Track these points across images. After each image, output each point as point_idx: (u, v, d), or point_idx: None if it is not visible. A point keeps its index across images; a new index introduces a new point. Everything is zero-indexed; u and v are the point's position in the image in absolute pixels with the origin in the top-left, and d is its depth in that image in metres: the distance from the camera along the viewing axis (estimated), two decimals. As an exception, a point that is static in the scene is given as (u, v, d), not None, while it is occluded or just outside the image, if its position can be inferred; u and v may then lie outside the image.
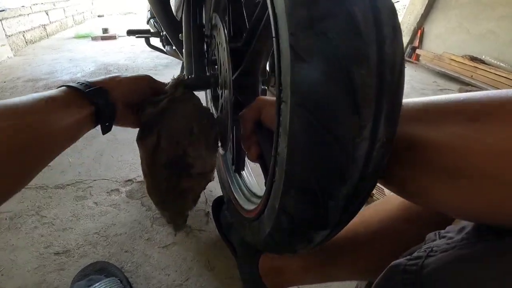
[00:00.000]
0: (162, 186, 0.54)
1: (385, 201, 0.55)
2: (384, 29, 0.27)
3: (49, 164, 0.98)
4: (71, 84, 0.42)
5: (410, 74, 2.68)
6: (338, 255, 0.55)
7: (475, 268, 0.28)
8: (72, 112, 0.40)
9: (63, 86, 0.41)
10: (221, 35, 0.54)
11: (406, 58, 3.08)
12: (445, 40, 2.88)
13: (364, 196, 0.34)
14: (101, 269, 0.69)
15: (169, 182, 0.54)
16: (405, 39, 3.17)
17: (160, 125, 0.49)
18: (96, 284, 0.64)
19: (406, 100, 0.33)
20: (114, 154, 1.10)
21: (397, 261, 0.33)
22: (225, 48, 0.51)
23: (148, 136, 0.50)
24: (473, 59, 2.53)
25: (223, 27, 0.54)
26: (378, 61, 0.27)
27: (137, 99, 0.49)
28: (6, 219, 0.82)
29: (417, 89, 2.27)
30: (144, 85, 0.50)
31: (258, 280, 0.66)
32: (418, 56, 3.03)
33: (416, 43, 3.09)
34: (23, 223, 0.81)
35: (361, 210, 0.41)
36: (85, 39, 3.06)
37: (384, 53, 0.28)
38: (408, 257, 0.32)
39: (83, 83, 0.42)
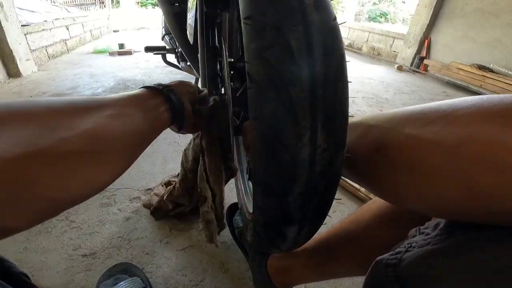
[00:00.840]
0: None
1: (374, 200, 0.57)
2: (315, 52, 0.32)
3: (77, 174, 1.04)
4: (147, 85, 0.46)
5: (419, 84, 2.68)
6: (337, 252, 0.59)
7: (443, 262, 0.29)
8: (154, 105, 0.44)
9: (141, 87, 0.46)
10: (223, 56, 0.61)
11: (414, 69, 3.08)
12: (452, 49, 2.87)
13: (320, 195, 0.39)
14: (124, 270, 0.74)
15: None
16: (413, 50, 3.18)
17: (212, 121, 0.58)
18: (121, 283, 0.69)
19: (384, 111, 0.39)
20: (135, 166, 1.16)
21: (381, 256, 0.35)
22: (226, 67, 0.58)
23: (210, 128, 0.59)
24: (481, 67, 2.51)
25: (225, 49, 0.60)
26: (310, 80, 0.33)
27: (191, 99, 0.54)
28: (38, 224, 0.88)
29: (426, 100, 2.28)
30: (193, 88, 0.55)
31: (268, 280, 0.69)
32: (426, 66, 3.02)
33: (423, 53, 3.09)
34: (53, 227, 0.87)
35: (355, 210, 0.46)
36: (103, 54, 3.14)
37: (315, 72, 0.32)
38: (391, 252, 0.34)
39: (156, 84, 0.47)
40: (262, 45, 0.33)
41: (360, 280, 0.76)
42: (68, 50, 3.37)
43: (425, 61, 3.02)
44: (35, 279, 0.71)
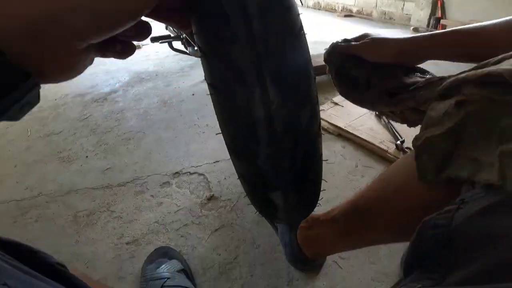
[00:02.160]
0: None
1: (409, 155, 0.50)
2: (250, 9, 0.31)
3: (110, 167, 1.08)
4: None
5: None
6: (367, 217, 0.54)
7: (504, 218, 0.25)
8: None
9: None
10: None
11: (432, 30, 2.80)
12: (468, 8, 2.67)
13: (291, 154, 0.38)
14: (164, 253, 0.78)
15: None
16: (426, 11, 2.92)
17: None
18: (163, 266, 0.73)
19: None
20: (161, 152, 1.19)
21: (429, 216, 0.31)
22: None
23: None
24: None
25: None
26: (248, 37, 0.31)
27: None
28: (83, 216, 0.94)
29: None
30: None
31: (299, 252, 0.69)
32: (444, 26, 2.78)
33: (438, 14, 2.82)
34: (97, 219, 0.93)
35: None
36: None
37: (252, 29, 0.31)
38: (439, 211, 0.30)
39: None
40: (202, 13, 0.32)
41: (399, 247, 0.76)
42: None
43: (442, 21, 2.75)
44: (89, 270, 0.77)
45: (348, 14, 3.64)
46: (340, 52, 0.58)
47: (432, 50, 0.53)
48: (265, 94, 0.34)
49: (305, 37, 0.36)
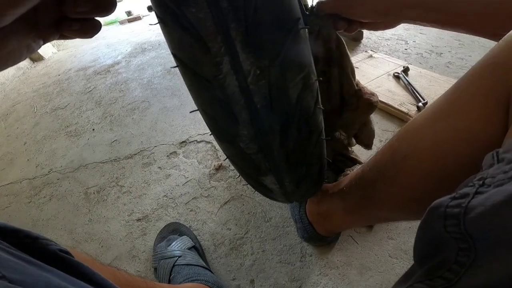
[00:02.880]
0: None
1: (410, 122, 0.43)
2: None
3: (116, 139, 1.05)
4: None
5: None
6: (373, 192, 0.47)
7: None
8: None
9: None
10: None
11: None
12: None
13: (280, 135, 0.31)
14: (174, 230, 0.76)
15: None
16: None
17: None
18: (173, 243, 0.71)
19: None
20: (167, 121, 1.13)
21: (439, 200, 0.25)
22: None
23: None
24: None
25: None
26: None
27: None
28: (94, 193, 0.93)
29: None
30: None
31: (310, 228, 0.64)
32: None
33: None
34: (107, 195, 0.92)
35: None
36: (113, 25, 2.95)
37: None
38: (454, 194, 0.24)
39: None
40: None
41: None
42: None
43: None
44: (104, 250, 0.77)
45: None
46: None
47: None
48: (236, 63, 0.26)
49: None
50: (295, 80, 0.29)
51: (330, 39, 0.49)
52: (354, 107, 0.56)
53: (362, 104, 0.56)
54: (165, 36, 0.29)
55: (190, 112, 0.38)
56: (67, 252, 0.41)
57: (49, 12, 0.27)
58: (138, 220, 0.82)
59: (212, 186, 0.86)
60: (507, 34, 0.33)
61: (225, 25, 0.25)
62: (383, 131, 0.95)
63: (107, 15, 0.27)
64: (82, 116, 1.26)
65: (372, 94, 0.56)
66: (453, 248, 0.23)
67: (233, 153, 0.36)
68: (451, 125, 0.36)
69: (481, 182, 0.22)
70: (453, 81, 1.06)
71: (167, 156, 0.99)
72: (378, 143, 0.91)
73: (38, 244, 0.38)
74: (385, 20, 0.46)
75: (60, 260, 0.37)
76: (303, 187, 0.43)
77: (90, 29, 0.28)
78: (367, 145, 0.66)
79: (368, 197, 0.49)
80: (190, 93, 0.32)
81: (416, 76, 1.14)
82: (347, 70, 0.53)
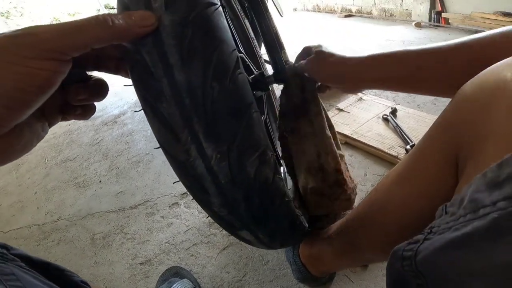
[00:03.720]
0: None
1: (384, 178, 0.51)
2: (170, 60, 0.29)
3: (122, 190, 1.13)
4: None
5: (445, 38, 2.41)
6: (357, 238, 0.54)
7: (467, 256, 0.22)
8: None
9: None
10: None
11: (435, 24, 2.79)
12: (468, 0, 2.53)
13: (245, 202, 0.36)
14: (175, 273, 0.82)
15: None
16: (426, 6, 2.88)
17: None
18: (175, 285, 0.77)
19: None
20: (169, 173, 1.23)
21: (398, 246, 0.30)
22: None
23: None
24: (506, 14, 2.27)
25: None
26: (171, 91, 0.30)
27: None
28: (100, 239, 1.00)
29: None
30: None
31: (303, 269, 0.70)
32: (446, 19, 2.73)
33: (439, 8, 2.78)
34: (113, 240, 0.98)
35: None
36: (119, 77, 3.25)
37: (175, 83, 0.29)
38: (409, 240, 0.29)
39: None
40: (129, 64, 0.31)
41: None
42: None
43: (443, 15, 2.69)
44: (107, 291, 0.82)
45: (348, 14, 3.63)
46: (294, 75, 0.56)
47: (372, 72, 0.48)
48: (201, 150, 0.32)
49: (242, 77, 0.33)
50: (252, 158, 0.34)
51: (304, 90, 0.54)
52: (333, 196, 0.55)
53: (342, 197, 0.55)
54: (150, 125, 0.35)
55: (174, 183, 0.45)
56: (86, 283, 0.50)
57: (54, 101, 0.30)
58: (141, 263, 0.88)
59: (212, 233, 0.94)
60: (456, 95, 0.36)
61: (189, 119, 0.30)
62: (374, 175, 1.06)
63: (102, 100, 0.32)
64: (90, 168, 1.36)
65: (353, 189, 0.58)
66: (412, 284, 0.27)
67: (211, 215, 0.42)
68: (414, 184, 0.43)
69: (429, 230, 0.27)
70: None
71: (169, 206, 1.08)
72: (370, 188, 1.02)
73: (63, 275, 0.46)
74: (345, 87, 0.53)
75: None
76: (277, 238, 0.47)
77: (89, 111, 0.33)
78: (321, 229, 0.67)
79: (352, 242, 0.56)
80: (172, 169, 0.38)
81: (404, 117, 1.23)
82: (322, 131, 0.54)
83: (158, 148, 0.36)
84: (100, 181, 1.26)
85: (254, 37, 0.92)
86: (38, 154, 1.50)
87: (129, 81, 0.34)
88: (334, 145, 0.55)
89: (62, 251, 0.97)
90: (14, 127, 0.24)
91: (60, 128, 1.70)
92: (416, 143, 0.45)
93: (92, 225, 1.05)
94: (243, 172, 0.35)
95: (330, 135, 0.56)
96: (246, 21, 0.90)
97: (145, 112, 0.33)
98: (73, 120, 1.31)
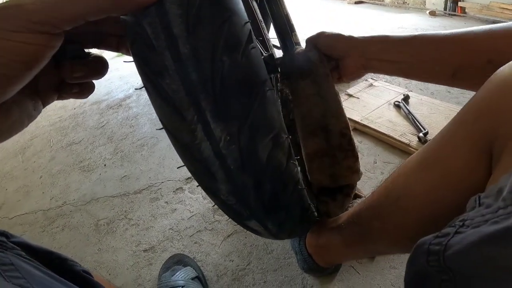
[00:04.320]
0: None
1: (406, 163, 0.47)
2: (174, 31, 0.26)
3: (126, 174, 1.11)
4: None
5: (461, 27, 2.24)
6: (369, 229, 0.51)
7: (505, 253, 0.20)
8: None
9: None
10: None
11: (450, 12, 2.66)
12: None
13: (254, 189, 0.34)
14: (179, 261, 0.80)
15: None
16: None
17: None
18: (177, 273, 0.75)
19: None
20: (173, 157, 1.21)
21: (424, 238, 0.28)
22: None
23: None
24: None
25: None
26: (176, 65, 0.27)
27: None
28: (104, 225, 0.98)
29: None
30: None
31: (310, 260, 0.68)
32: (463, 9, 2.59)
33: None
34: (117, 227, 0.97)
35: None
36: (124, 56, 3.22)
37: (180, 56, 0.26)
38: (437, 233, 0.27)
39: None
40: (130, 39, 0.28)
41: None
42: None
43: (460, 4, 2.54)
44: (111, 278, 0.81)
45: (358, 0, 3.50)
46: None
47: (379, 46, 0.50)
48: (208, 131, 0.29)
49: (256, 52, 0.30)
50: (264, 141, 0.32)
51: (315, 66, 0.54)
52: (335, 160, 0.55)
53: (345, 164, 0.55)
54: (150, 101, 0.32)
55: (178, 167, 0.41)
56: (88, 273, 0.47)
57: (48, 78, 0.28)
58: (145, 250, 0.87)
59: (216, 220, 0.91)
60: (493, 77, 0.33)
61: (196, 96, 0.28)
62: (384, 163, 1.02)
63: (101, 78, 0.30)
64: (94, 152, 1.34)
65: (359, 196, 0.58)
66: (436, 279, 0.25)
67: (217, 203, 0.39)
68: (438, 172, 0.39)
69: (461, 223, 0.25)
70: (454, 107, 1.13)
71: (174, 191, 1.06)
72: (379, 176, 0.98)
73: (66, 264, 0.44)
74: (352, 61, 0.54)
75: (83, 279, 0.43)
76: (286, 228, 0.45)
77: (87, 90, 0.31)
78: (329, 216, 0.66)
79: (364, 233, 0.53)
80: (176, 151, 0.35)
81: (417, 104, 1.17)
82: (329, 92, 0.54)
83: (161, 129, 0.33)
84: (105, 164, 1.24)
85: (262, 19, 0.87)
86: (44, 138, 1.49)
87: (129, 58, 0.31)
88: (343, 109, 0.55)
89: (67, 238, 0.96)
90: (0, 105, 0.22)
91: (66, 112, 1.68)
92: (442, 129, 0.40)
93: (96, 210, 1.04)
94: (255, 156, 0.32)
95: (340, 99, 0.55)
96: (254, 3, 0.85)
97: (146, 89, 0.30)
98: (79, 104, 1.28)
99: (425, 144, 0.44)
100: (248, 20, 0.29)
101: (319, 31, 0.56)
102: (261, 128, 0.31)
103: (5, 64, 0.21)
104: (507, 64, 0.31)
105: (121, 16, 0.27)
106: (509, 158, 0.28)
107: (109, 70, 0.31)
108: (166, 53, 0.27)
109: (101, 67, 0.30)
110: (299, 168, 0.40)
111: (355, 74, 0.56)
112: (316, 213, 0.56)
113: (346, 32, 0.54)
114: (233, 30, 0.28)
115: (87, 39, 0.29)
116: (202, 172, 0.34)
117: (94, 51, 0.31)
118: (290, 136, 0.37)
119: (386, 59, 0.51)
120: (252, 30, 0.30)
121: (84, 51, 0.29)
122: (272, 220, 0.40)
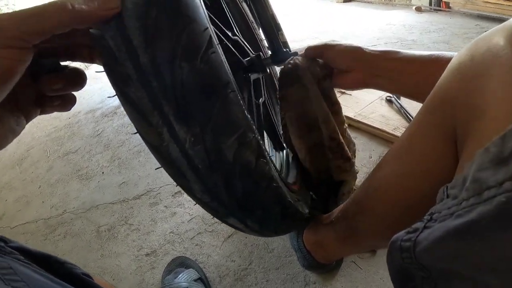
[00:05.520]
0: None
1: (382, 158, 0.47)
2: (134, 42, 0.27)
3: (124, 181, 1.11)
4: None
5: (446, 21, 2.33)
6: (356, 223, 0.52)
7: (471, 249, 0.19)
8: None
9: None
10: None
11: (436, 8, 2.69)
12: None
13: (225, 188, 0.35)
14: (181, 263, 0.81)
15: None
16: None
17: None
18: (180, 275, 0.76)
19: None
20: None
21: (397, 234, 0.27)
22: None
23: None
24: None
25: None
26: (137, 74, 0.28)
27: None
28: (105, 231, 0.98)
29: (459, 34, 1.99)
30: None
31: (309, 257, 0.69)
32: (447, 4, 2.63)
33: None
34: (118, 232, 0.97)
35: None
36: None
37: (140, 66, 0.28)
38: (408, 228, 0.26)
39: None
40: (98, 50, 0.30)
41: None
42: (86, 67, 3.45)
43: None
44: (115, 283, 0.81)
45: (347, -1, 3.52)
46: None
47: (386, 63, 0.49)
48: (173, 133, 0.31)
49: (216, 57, 0.31)
50: (229, 141, 0.32)
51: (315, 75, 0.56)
52: (330, 152, 0.58)
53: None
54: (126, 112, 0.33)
55: (156, 169, 0.42)
56: (88, 276, 0.48)
57: (27, 92, 0.29)
58: (147, 255, 0.87)
59: (216, 222, 0.92)
60: (450, 63, 0.33)
61: (157, 101, 0.29)
62: (380, 157, 1.03)
63: (80, 89, 0.31)
64: (92, 160, 1.34)
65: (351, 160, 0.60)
66: (417, 277, 0.25)
67: (196, 201, 0.40)
68: (410, 160, 0.39)
69: (429, 217, 0.24)
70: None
71: (172, 195, 1.06)
72: None
73: (64, 268, 0.44)
74: (355, 76, 0.53)
75: (83, 282, 0.44)
76: (269, 226, 0.45)
77: (68, 102, 0.31)
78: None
79: (352, 227, 0.53)
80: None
81: None
82: (318, 98, 0.55)
83: (136, 133, 0.35)
84: (103, 172, 1.24)
85: (253, 21, 0.88)
86: (40, 148, 1.48)
87: (101, 68, 0.33)
88: (331, 115, 0.57)
89: (69, 245, 0.96)
90: None
91: (61, 122, 1.67)
92: (413, 118, 0.41)
93: (96, 217, 1.04)
94: (221, 155, 0.33)
95: (325, 105, 0.56)
96: (244, 4, 0.86)
97: (118, 97, 0.32)
98: (73, 114, 1.28)
99: (401, 135, 0.44)
100: (207, 26, 0.31)
101: (326, 42, 0.55)
102: (224, 128, 0.32)
103: None
104: (461, 51, 0.32)
105: (89, 29, 0.29)
106: (473, 143, 0.28)
107: (100, 79, 0.32)
108: (127, 63, 0.28)
109: (78, 78, 0.31)
110: (271, 166, 0.40)
111: (353, 87, 0.57)
112: (306, 210, 0.56)
113: (352, 42, 0.53)
114: (191, 37, 0.29)
115: (61, 52, 0.30)
116: (175, 172, 0.35)
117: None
118: (256, 135, 0.37)
119: (397, 78, 0.49)
120: (212, 36, 0.31)
121: (60, 64, 0.31)
122: (250, 217, 0.41)
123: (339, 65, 0.54)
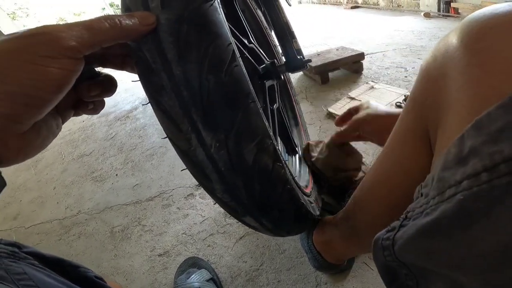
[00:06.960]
0: None
1: (373, 164, 0.48)
2: (168, 56, 0.30)
3: (138, 183, 1.14)
4: None
5: (455, 27, 2.32)
6: (355, 223, 0.53)
7: (438, 247, 0.20)
8: None
9: None
10: None
11: (444, 14, 2.69)
12: None
13: (245, 189, 0.38)
14: (193, 264, 0.82)
15: None
16: None
17: None
18: (192, 276, 0.77)
19: None
20: (183, 165, 1.23)
21: (378, 233, 0.28)
22: None
23: None
24: None
25: None
26: (171, 84, 0.31)
27: None
28: (118, 231, 1.00)
29: None
30: None
31: (319, 257, 0.69)
32: (456, 9, 2.64)
33: None
34: (131, 233, 0.98)
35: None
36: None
37: (174, 77, 0.31)
38: (387, 227, 0.27)
39: None
40: (134, 60, 0.33)
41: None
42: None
43: (453, 5, 2.60)
44: (128, 283, 0.82)
45: (354, 5, 3.55)
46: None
47: None
48: (200, 139, 0.34)
49: (238, 70, 0.34)
50: (250, 147, 0.35)
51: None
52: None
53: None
54: (159, 120, 0.36)
55: (181, 170, 0.46)
56: (101, 279, 0.49)
57: (68, 98, 0.30)
58: (160, 255, 0.88)
59: (228, 223, 0.93)
60: (420, 68, 0.34)
61: (188, 110, 0.32)
62: None
63: (112, 95, 0.33)
64: (106, 162, 1.36)
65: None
66: (401, 273, 0.26)
67: (216, 200, 0.43)
68: (393, 159, 0.41)
69: (405, 215, 0.25)
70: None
71: (185, 197, 1.08)
72: None
73: (78, 271, 0.45)
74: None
75: (95, 285, 0.45)
76: (283, 226, 0.48)
77: (99, 106, 0.34)
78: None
79: (353, 226, 0.54)
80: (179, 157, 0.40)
81: None
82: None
83: (166, 138, 0.38)
84: (117, 174, 1.27)
85: (267, 27, 0.90)
86: (55, 151, 1.52)
87: (136, 77, 0.35)
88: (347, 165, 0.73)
89: (83, 245, 0.98)
90: (33, 124, 0.25)
91: (75, 125, 1.72)
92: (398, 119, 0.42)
93: (110, 218, 1.06)
94: (242, 159, 0.36)
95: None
96: (259, 11, 0.88)
97: (151, 105, 0.35)
98: (87, 117, 1.32)
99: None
100: (230, 41, 0.34)
101: (365, 106, 0.64)
102: (245, 135, 0.35)
103: (41, 88, 0.23)
104: (429, 54, 0.33)
105: (127, 42, 0.32)
106: (442, 142, 0.28)
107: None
108: (162, 74, 0.31)
109: (112, 85, 0.33)
110: (286, 170, 0.43)
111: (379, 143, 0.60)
112: (317, 212, 0.58)
113: (384, 108, 0.57)
114: (217, 52, 0.32)
115: (95, 60, 0.32)
116: (200, 174, 0.38)
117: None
118: (273, 142, 0.40)
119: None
120: (235, 50, 0.34)
121: (96, 71, 0.33)
122: (266, 217, 0.43)
123: (374, 138, 0.60)
